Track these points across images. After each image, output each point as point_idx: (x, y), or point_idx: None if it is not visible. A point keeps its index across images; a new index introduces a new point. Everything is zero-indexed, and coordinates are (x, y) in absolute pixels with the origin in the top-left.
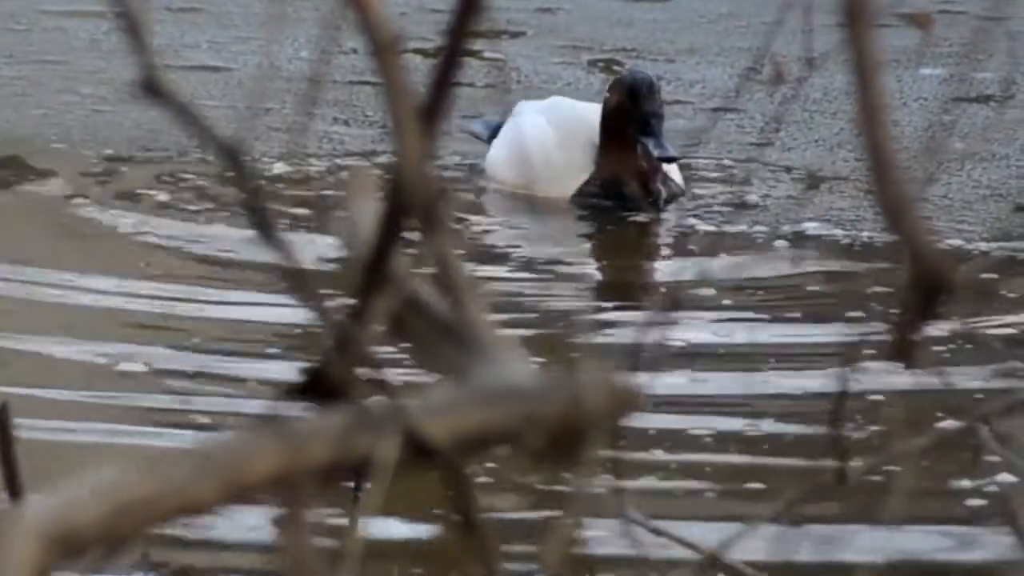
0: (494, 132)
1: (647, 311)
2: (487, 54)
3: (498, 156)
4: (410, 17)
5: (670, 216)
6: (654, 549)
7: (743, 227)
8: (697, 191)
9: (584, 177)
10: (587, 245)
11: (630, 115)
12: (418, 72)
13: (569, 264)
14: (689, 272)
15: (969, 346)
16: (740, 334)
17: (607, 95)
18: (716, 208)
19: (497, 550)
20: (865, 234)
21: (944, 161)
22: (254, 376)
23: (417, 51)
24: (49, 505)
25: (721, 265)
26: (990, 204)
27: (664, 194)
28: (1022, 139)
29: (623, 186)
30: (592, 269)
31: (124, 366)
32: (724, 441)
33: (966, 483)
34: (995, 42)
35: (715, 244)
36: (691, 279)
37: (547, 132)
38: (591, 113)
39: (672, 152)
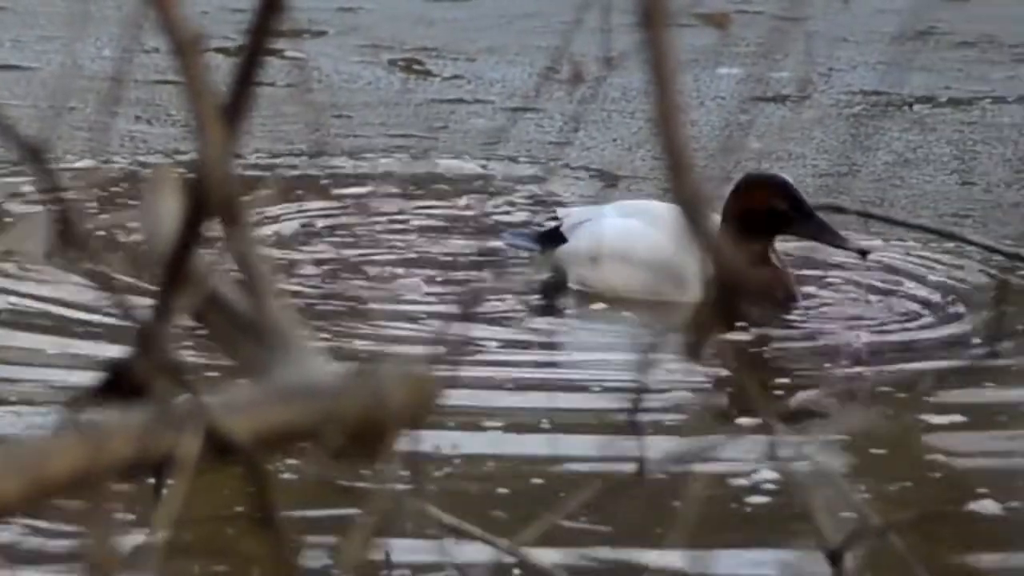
0: (539, 239)
1: (446, 311)
2: (288, 53)
3: (605, 267)
4: (212, 16)
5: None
6: (453, 545)
7: (548, 223)
8: (503, 189)
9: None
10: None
11: (783, 216)
12: (220, 71)
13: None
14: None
15: (767, 347)
16: (542, 324)
17: (734, 196)
18: (520, 205)
19: (296, 547)
20: None
21: (741, 160)
22: (58, 373)
23: (219, 50)
24: None
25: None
26: None
27: (800, 298)
28: (819, 138)
29: (772, 291)
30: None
31: None
32: (520, 435)
33: (758, 477)
34: (792, 42)
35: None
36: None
37: (658, 237)
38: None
39: (862, 245)
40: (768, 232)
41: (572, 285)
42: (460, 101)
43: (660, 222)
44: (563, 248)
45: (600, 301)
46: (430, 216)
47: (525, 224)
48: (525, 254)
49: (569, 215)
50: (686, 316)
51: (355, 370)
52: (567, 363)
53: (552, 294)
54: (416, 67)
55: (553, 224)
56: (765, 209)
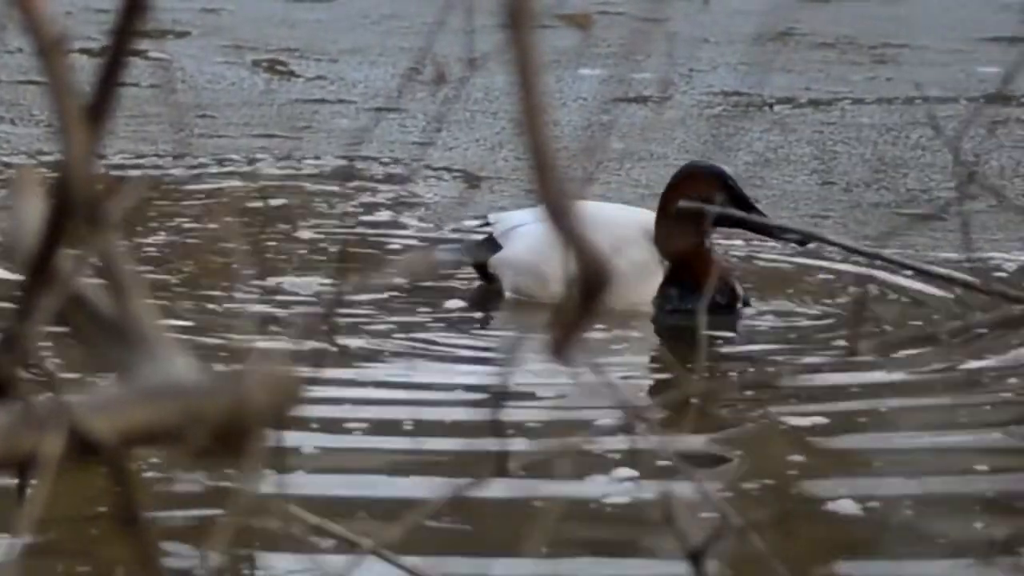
0: (473, 247)
1: (303, 312)
2: (152, 54)
3: (536, 274)
4: (76, 17)
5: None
6: (317, 543)
7: (411, 223)
8: (364, 190)
9: (656, 280)
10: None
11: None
12: (84, 72)
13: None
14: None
15: (627, 346)
16: (401, 330)
17: (671, 188)
18: (383, 206)
19: (159, 546)
20: None
21: (603, 160)
22: None
23: (83, 51)
24: None
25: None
26: (649, 203)
27: (743, 294)
28: (680, 139)
29: (712, 288)
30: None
31: None
32: (383, 436)
33: (626, 473)
34: (653, 43)
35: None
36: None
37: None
38: (627, 213)
39: (801, 235)
40: (706, 224)
41: (507, 293)
42: (323, 101)
43: (596, 225)
44: (496, 256)
45: (535, 308)
46: (293, 215)
47: (383, 217)
48: (458, 262)
49: (500, 220)
50: (550, 316)
51: (218, 369)
52: (437, 364)
53: (486, 302)
54: (279, 68)
55: (485, 231)
56: (703, 201)
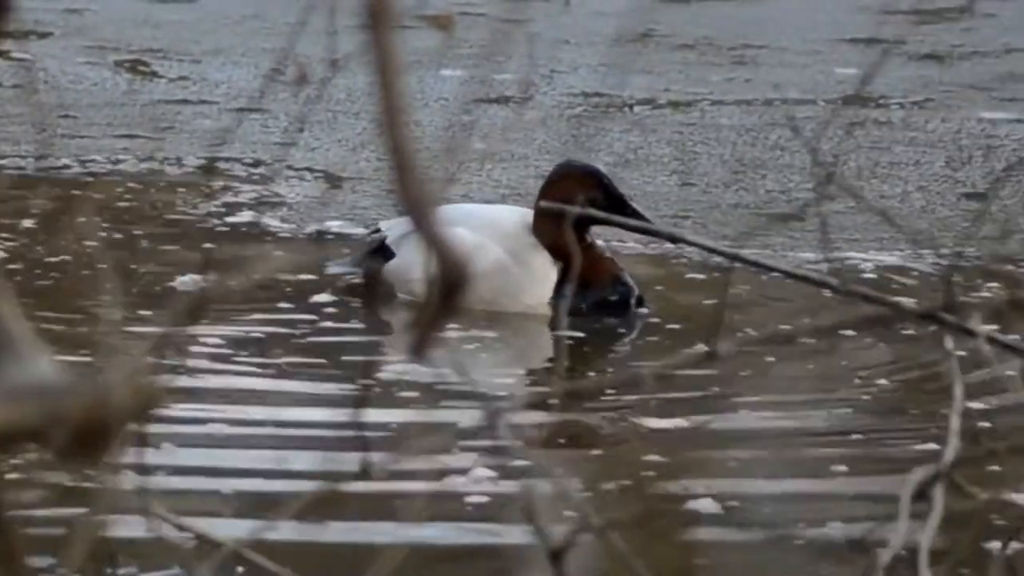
0: (364, 256)
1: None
2: (14, 54)
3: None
4: None
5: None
6: (181, 544)
7: (273, 224)
8: (227, 190)
9: (550, 282)
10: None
11: (596, 206)
12: None
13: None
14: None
15: (481, 345)
16: (264, 329)
17: (547, 187)
18: (246, 206)
19: (23, 547)
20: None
21: (465, 161)
22: None
23: None
24: None
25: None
26: (510, 203)
27: (635, 288)
28: (541, 139)
29: (605, 287)
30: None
31: None
32: (247, 435)
33: (488, 473)
34: (514, 44)
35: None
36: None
37: (488, 244)
38: (511, 214)
39: (674, 232)
40: (581, 222)
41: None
42: (185, 102)
43: (486, 229)
44: (390, 264)
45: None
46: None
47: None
48: (350, 274)
49: (393, 227)
50: (411, 315)
51: (79, 370)
52: (307, 364)
53: (380, 311)
54: (142, 68)
55: (376, 238)
56: (579, 200)
